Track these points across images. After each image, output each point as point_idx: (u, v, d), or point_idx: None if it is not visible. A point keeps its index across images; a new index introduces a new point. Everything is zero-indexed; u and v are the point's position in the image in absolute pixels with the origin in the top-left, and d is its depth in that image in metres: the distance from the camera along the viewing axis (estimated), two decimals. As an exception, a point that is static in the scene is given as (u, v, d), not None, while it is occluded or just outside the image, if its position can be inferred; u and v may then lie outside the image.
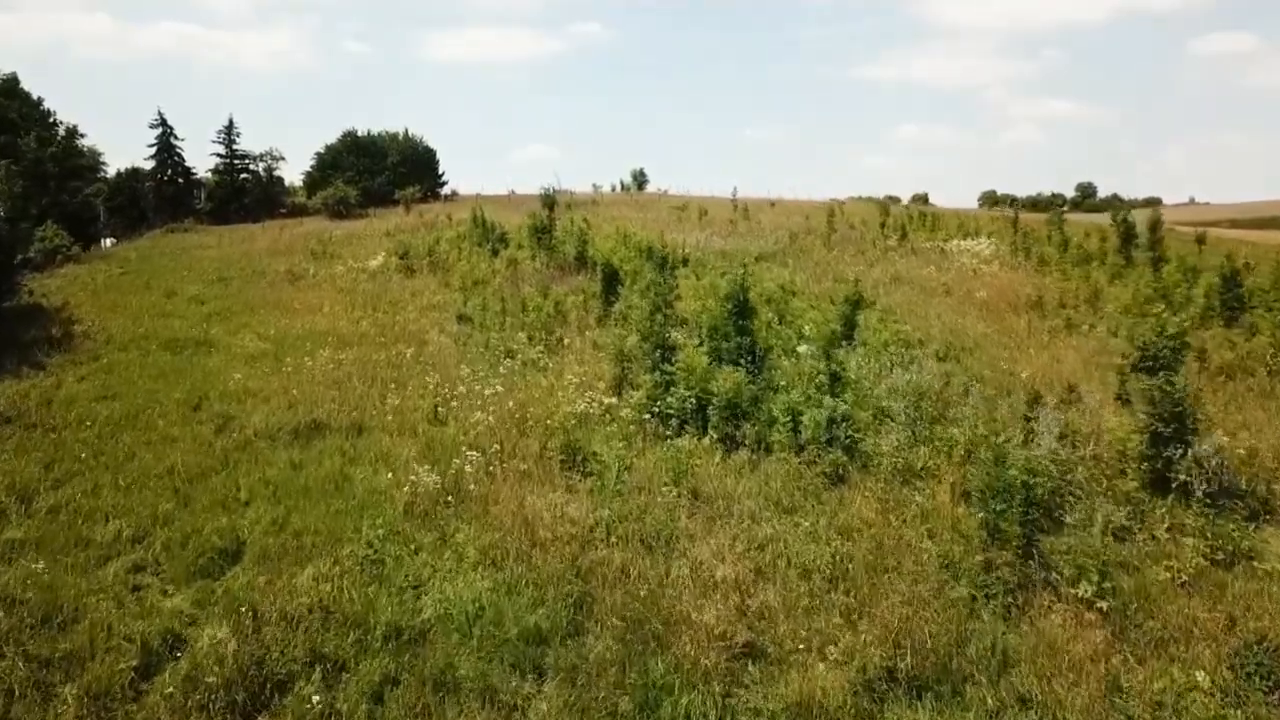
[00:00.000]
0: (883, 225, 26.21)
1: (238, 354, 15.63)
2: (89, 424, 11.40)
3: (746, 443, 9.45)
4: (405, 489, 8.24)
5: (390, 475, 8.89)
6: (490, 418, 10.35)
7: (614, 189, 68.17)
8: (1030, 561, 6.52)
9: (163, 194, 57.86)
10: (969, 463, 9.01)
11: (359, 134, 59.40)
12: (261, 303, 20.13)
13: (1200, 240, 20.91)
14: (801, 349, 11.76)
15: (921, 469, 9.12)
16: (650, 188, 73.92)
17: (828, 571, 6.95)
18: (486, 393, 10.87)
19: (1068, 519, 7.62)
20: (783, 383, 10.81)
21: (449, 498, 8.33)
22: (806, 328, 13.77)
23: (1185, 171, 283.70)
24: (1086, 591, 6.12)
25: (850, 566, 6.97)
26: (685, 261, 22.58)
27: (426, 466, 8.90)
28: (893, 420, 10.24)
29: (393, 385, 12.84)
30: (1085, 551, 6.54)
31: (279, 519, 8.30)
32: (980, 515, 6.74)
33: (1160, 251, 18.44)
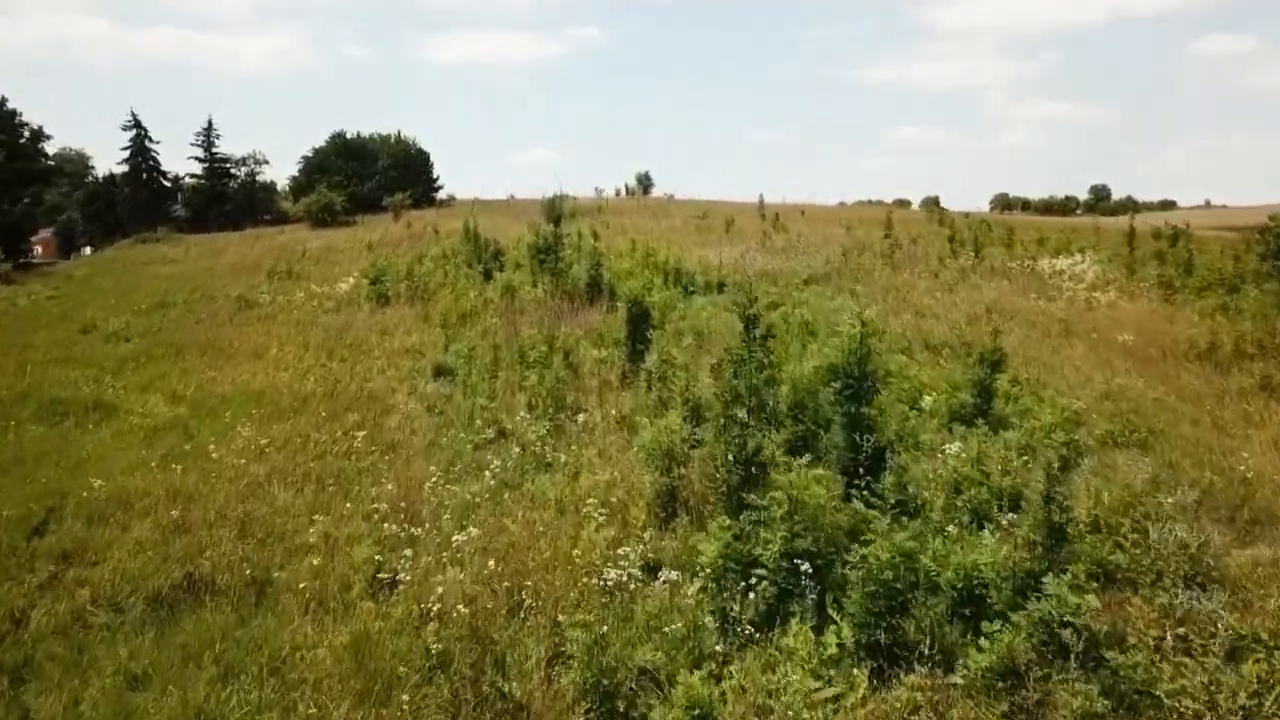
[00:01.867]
0: (951, 239, 22.04)
1: (136, 426, 11.57)
2: None
3: (917, 661, 5.34)
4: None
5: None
6: (465, 585, 6.27)
7: (618, 193, 64.48)
8: None
9: (137, 200, 53.95)
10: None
11: (348, 136, 55.50)
12: (193, 343, 16.01)
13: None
14: (951, 449, 7.60)
15: (1225, 712, 5.05)
16: (655, 191, 70.22)
17: None
18: (459, 538, 6.77)
19: None
20: (936, 519, 6.69)
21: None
22: (926, 399, 9.68)
23: (1186, 172, 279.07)
24: None
25: None
26: (721, 287, 18.52)
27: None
28: (1134, 588, 6.16)
29: (330, 489, 8.80)
30: None
31: None
32: None
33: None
